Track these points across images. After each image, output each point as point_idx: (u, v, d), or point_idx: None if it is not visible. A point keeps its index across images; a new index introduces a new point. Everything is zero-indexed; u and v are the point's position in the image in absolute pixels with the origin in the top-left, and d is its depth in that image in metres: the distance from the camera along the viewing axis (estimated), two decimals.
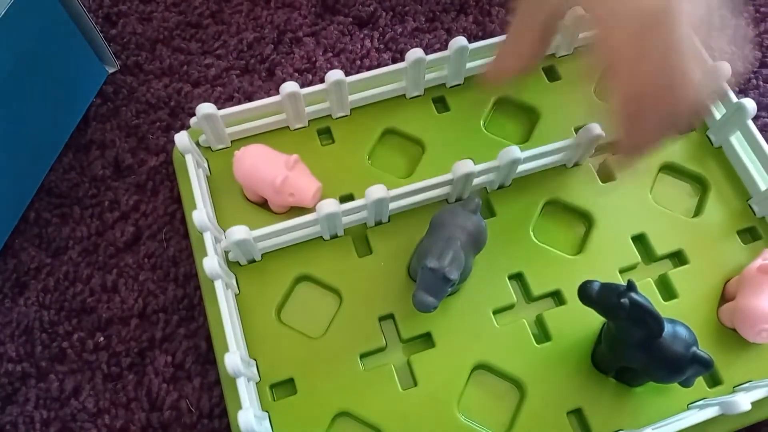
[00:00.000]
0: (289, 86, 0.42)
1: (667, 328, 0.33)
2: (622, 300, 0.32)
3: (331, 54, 0.50)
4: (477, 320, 0.40)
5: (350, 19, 0.52)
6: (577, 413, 0.37)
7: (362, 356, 0.39)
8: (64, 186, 0.45)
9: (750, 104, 0.42)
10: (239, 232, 0.37)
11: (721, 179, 0.44)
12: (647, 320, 0.32)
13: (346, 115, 0.46)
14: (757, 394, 0.35)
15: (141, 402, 0.39)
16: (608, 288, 0.33)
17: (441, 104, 0.47)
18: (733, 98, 0.43)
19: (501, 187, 0.43)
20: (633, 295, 0.32)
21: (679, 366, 0.33)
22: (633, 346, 0.34)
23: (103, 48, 0.47)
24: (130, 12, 0.52)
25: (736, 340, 0.39)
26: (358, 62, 0.50)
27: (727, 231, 0.42)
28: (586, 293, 0.34)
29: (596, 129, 0.41)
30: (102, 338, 0.41)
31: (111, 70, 0.49)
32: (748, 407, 0.34)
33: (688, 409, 0.37)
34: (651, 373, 0.35)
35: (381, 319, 0.40)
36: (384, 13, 0.52)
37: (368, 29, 0.51)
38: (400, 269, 0.41)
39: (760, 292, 0.38)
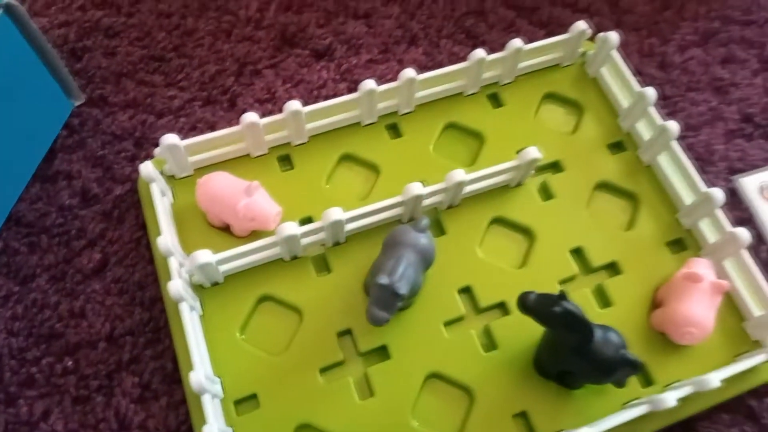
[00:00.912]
0: (249, 117, 0.44)
1: (599, 333, 0.36)
2: (555, 308, 0.35)
3: (289, 85, 0.53)
4: (429, 332, 0.42)
5: (308, 52, 0.55)
6: (523, 416, 0.40)
7: (322, 370, 0.41)
8: (31, 215, 0.47)
9: (674, 126, 0.45)
10: (202, 256, 0.40)
11: (652, 195, 0.48)
12: (578, 326, 0.35)
13: (305, 143, 0.48)
14: (684, 392, 0.38)
15: (110, 423, 0.41)
16: (543, 298, 0.36)
17: (393, 130, 0.50)
18: (659, 121, 0.47)
19: (450, 206, 0.46)
20: (564, 303, 0.35)
21: (610, 367, 0.37)
22: (569, 351, 0.37)
23: (68, 82, 0.49)
24: (95, 47, 0.54)
25: (666, 343, 0.42)
26: (316, 92, 0.53)
27: (658, 243, 0.46)
28: (524, 303, 0.37)
29: (534, 152, 0.44)
30: (70, 362, 0.42)
31: (77, 103, 0.51)
32: (674, 403, 0.37)
33: (623, 408, 0.40)
34: (586, 375, 0.38)
35: (340, 334, 0.42)
36: (339, 46, 0.55)
37: (325, 61, 0.54)
38: (357, 287, 0.43)
39: (685, 297, 0.41)
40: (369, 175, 0.48)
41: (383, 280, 0.37)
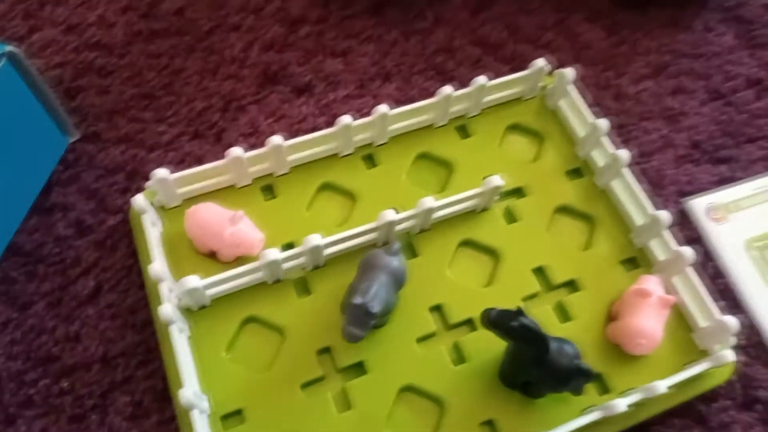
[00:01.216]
0: (234, 151, 0.48)
1: (554, 345, 0.40)
2: (513, 323, 0.39)
3: (272, 120, 0.57)
4: (403, 348, 0.45)
5: (289, 89, 0.59)
6: (490, 424, 0.43)
7: (303, 386, 0.44)
8: (29, 246, 0.50)
9: (624, 155, 0.50)
10: (190, 281, 0.43)
11: (607, 217, 0.52)
12: (534, 339, 0.39)
13: (286, 173, 0.52)
14: (635, 398, 0.42)
15: None
16: (503, 314, 0.40)
17: (369, 161, 0.53)
18: (612, 149, 0.51)
19: (422, 230, 0.50)
20: (521, 318, 0.39)
21: (565, 377, 0.40)
22: (528, 362, 0.40)
23: (64, 119, 0.52)
24: (89, 86, 0.57)
25: (620, 353, 0.46)
26: (297, 126, 0.57)
27: (613, 261, 0.50)
28: (486, 319, 0.40)
29: (497, 180, 0.48)
30: (66, 383, 0.45)
31: (72, 140, 0.54)
32: (625, 409, 0.40)
33: (581, 414, 0.43)
34: (546, 385, 0.42)
35: (319, 352, 0.45)
36: (318, 83, 0.59)
37: (305, 97, 0.58)
38: (336, 307, 0.47)
39: (636, 311, 0.45)
40: (346, 203, 0.52)
41: (357, 300, 0.40)
